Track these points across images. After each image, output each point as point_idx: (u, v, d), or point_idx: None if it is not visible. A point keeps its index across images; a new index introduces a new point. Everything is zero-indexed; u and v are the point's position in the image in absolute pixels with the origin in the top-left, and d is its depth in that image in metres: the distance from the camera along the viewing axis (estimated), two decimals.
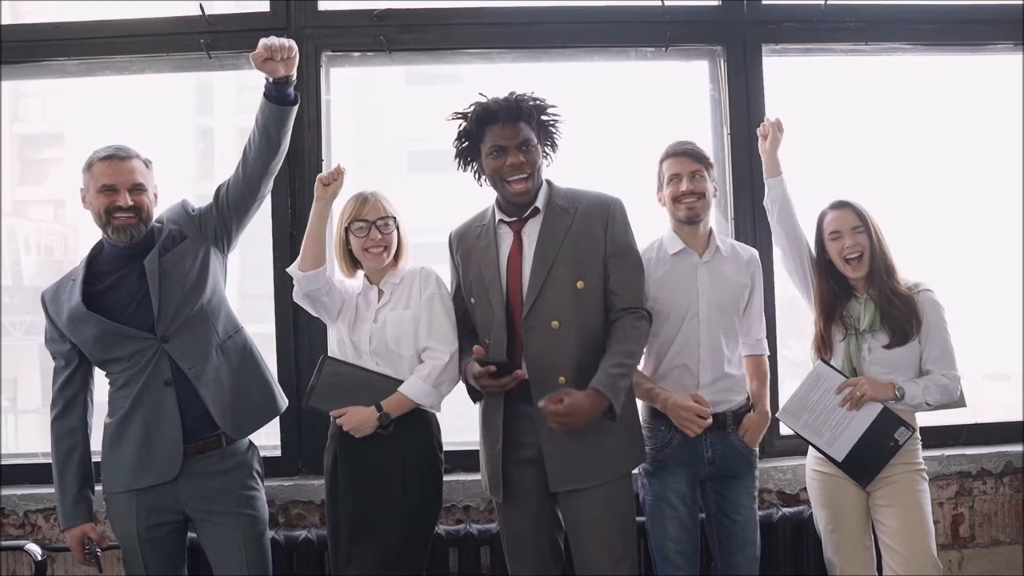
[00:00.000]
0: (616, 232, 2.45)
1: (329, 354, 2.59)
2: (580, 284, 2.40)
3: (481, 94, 2.44)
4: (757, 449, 2.70)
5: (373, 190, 2.59)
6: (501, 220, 2.49)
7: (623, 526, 2.45)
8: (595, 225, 2.44)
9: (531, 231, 2.45)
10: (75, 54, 3.15)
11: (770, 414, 2.74)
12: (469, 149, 2.49)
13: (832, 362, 2.69)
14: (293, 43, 2.39)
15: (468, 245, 2.53)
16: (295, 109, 2.49)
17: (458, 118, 2.47)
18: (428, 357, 2.52)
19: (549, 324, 2.38)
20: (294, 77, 2.45)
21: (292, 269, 2.56)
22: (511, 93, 2.42)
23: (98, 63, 3.19)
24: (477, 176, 2.53)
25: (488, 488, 2.52)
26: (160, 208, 2.58)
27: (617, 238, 2.45)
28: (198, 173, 4.36)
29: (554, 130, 2.48)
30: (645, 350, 2.61)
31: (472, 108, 2.44)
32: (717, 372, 2.61)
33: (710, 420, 2.51)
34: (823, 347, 2.72)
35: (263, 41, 2.36)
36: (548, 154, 2.50)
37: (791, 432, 2.82)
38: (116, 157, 2.45)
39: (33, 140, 4.43)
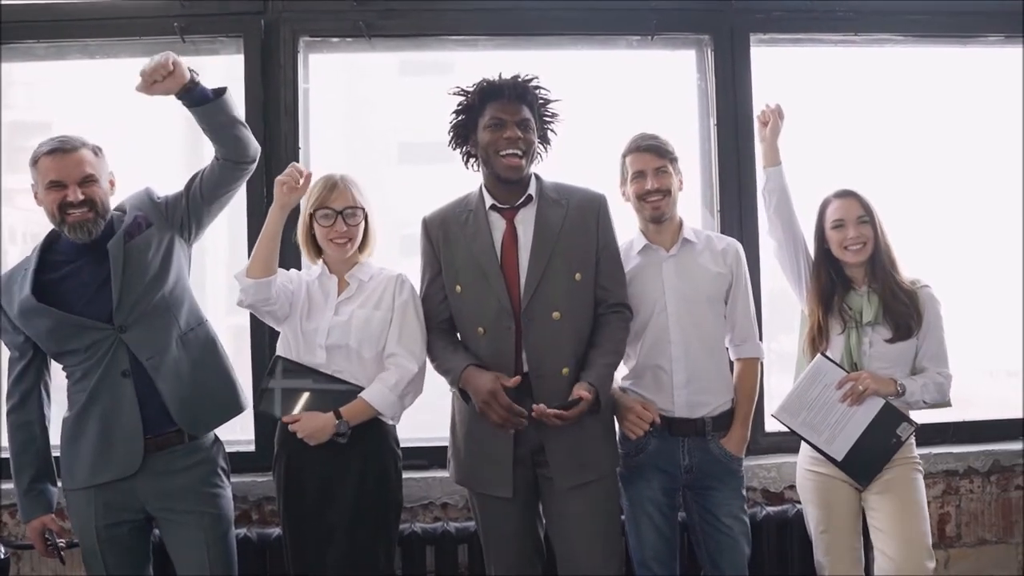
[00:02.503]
0: (606, 227, 2.38)
1: (281, 353, 2.39)
2: (578, 276, 2.29)
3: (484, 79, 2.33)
4: (743, 456, 2.50)
5: (343, 174, 2.39)
6: (493, 206, 2.34)
7: (610, 523, 2.34)
8: (588, 219, 2.34)
9: (524, 219, 2.32)
10: (44, 36, 2.94)
11: (748, 434, 2.52)
12: (466, 124, 2.35)
13: (829, 355, 2.51)
14: (168, 54, 2.13)
15: (452, 231, 2.36)
16: (225, 100, 2.24)
17: (461, 93, 2.34)
18: (394, 365, 2.34)
19: (550, 315, 2.26)
20: (197, 77, 2.20)
21: (239, 275, 2.33)
22: (516, 75, 2.32)
23: (68, 46, 2.99)
24: (466, 158, 2.39)
25: (480, 486, 2.34)
26: (120, 196, 2.39)
27: (607, 233, 2.38)
28: (186, 163, 4.19)
29: (550, 126, 2.38)
30: None
31: (477, 84, 2.33)
32: (692, 371, 2.43)
33: (652, 426, 2.35)
34: (819, 339, 2.54)
35: (141, 71, 2.12)
36: (539, 153, 2.38)
37: (776, 429, 2.67)
38: (61, 150, 2.24)
39: (20, 128, 4.26)
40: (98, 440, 2.26)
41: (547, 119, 2.38)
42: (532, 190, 2.35)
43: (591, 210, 2.35)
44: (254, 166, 2.40)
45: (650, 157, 2.46)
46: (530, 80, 2.33)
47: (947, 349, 2.51)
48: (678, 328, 2.44)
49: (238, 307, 2.39)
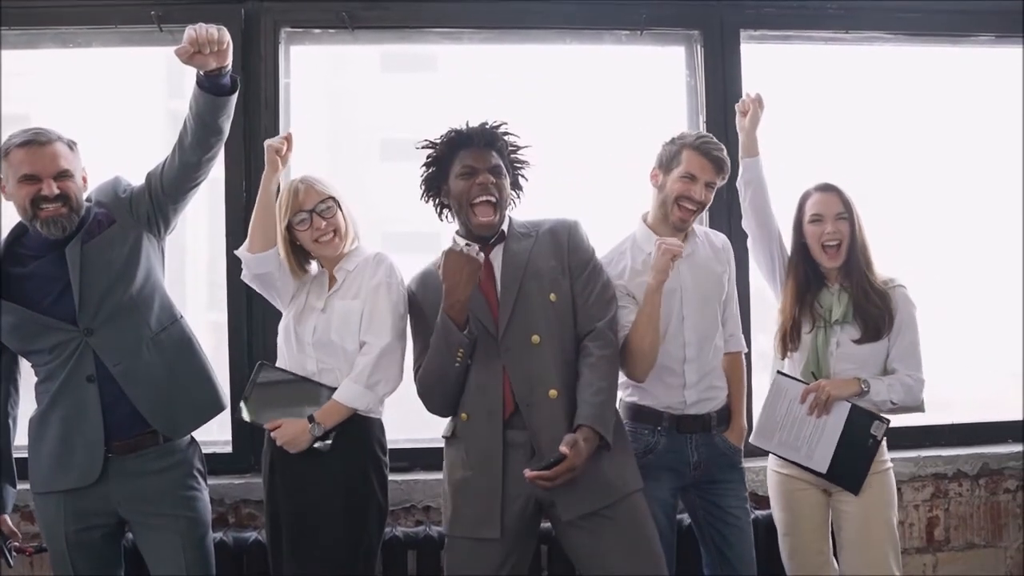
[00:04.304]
0: (580, 244, 2.27)
1: (278, 360, 2.32)
2: (553, 297, 2.19)
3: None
4: (742, 447, 2.45)
5: (303, 176, 2.32)
6: (467, 245, 2.20)
7: (652, 544, 2.15)
8: (559, 240, 2.25)
9: (498, 255, 2.24)
10: (14, 23, 2.80)
11: (746, 427, 2.48)
12: (436, 176, 2.25)
13: (798, 355, 2.46)
14: (223, 31, 2.01)
15: (432, 284, 2.24)
16: (234, 98, 2.15)
17: (428, 146, 2.24)
18: (360, 354, 2.25)
19: (529, 339, 2.16)
20: (229, 67, 2.09)
21: (241, 251, 2.33)
22: (484, 122, 2.23)
23: (40, 34, 2.86)
24: (439, 210, 2.29)
25: (462, 526, 2.16)
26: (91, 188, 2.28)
27: (578, 252, 2.26)
28: (166, 154, 4.10)
29: (521, 171, 2.30)
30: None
31: (445, 134, 2.23)
32: (703, 370, 2.37)
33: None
34: (791, 337, 2.47)
35: (188, 32, 1.98)
36: (512, 200, 2.30)
37: None
38: (35, 143, 2.12)
39: None
40: (57, 446, 2.15)
41: (518, 165, 2.30)
42: (504, 227, 2.26)
43: (561, 232, 2.27)
44: (214, 163, 2.30)
45: (712, 169, 2.34)
46: (498, 127, 2.24)
47: (920, 352, 2.43)
48: (693, 329, 2.37)
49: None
